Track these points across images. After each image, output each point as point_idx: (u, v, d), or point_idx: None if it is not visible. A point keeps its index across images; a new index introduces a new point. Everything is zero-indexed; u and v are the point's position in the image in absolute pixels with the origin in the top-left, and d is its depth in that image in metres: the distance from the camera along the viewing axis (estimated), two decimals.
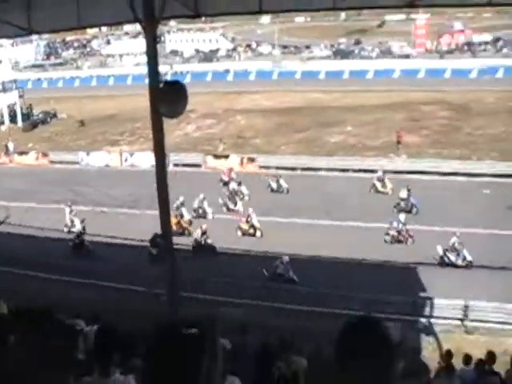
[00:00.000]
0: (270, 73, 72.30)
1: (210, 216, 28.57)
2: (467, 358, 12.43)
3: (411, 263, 22.20)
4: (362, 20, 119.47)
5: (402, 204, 27.57)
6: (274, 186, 32.07)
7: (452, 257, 21.91)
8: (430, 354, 16.39)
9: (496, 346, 16.18)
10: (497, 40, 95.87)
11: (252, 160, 36.49)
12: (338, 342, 2.13)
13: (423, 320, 18.95)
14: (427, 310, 19.19)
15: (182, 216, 27.37)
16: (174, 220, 26.59)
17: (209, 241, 25.10)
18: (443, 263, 22.17)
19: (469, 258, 21.59)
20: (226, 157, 37.45)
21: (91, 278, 22.09)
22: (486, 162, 34.11)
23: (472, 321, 18.72)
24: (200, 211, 28.82)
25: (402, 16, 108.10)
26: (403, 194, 27.80)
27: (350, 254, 23.22)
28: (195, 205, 28.75)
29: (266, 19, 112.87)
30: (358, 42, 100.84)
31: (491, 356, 12.03)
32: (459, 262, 21.71)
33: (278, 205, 29.47)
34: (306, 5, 13.68)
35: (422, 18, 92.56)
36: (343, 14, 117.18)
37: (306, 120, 46.81)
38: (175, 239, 24.88)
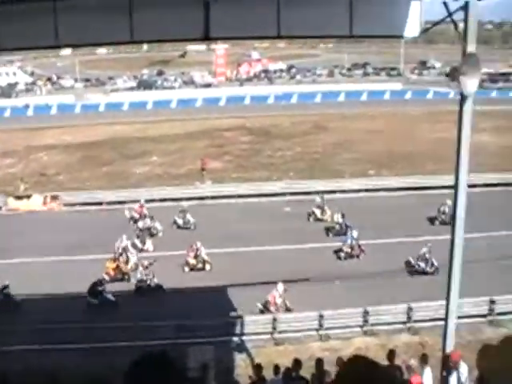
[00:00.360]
0: (73, 106, 70.83)
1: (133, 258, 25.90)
2: (276, 368, 13.12)
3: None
4: (165, 51, 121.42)
5: (337, 227, 28.34)
6: (180, 221, 29.97)
7: (422, 264, 23.90)
8: (243, 371, 16.93)
9: (303, 352, 17.31)
10: (290, 68, 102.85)
11: (56, 198, 34.94)
12: (124, 378, 2.20)
13: (235, 339, 19.49)
14: (238, 329, 19.75)
15: (127, 261, 24.78)
16: (111, 264, 24.41)
17: (155, 280, 22.89)
18: (414, 271, 24.02)
19: (435, 264, 23.42)
20: (29, 197, 35.45)
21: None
22: (285, 182, 36.10)
23: (280, 332, 19.59)
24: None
25: (202, 46, 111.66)
26: (338, 218, 28.62)
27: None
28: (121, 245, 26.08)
29: (66, 51, 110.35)
30: (160, 73, 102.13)
31: (297, 363, 12.85)
32: (428, 269, 23.66)
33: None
34: (104, 38, 13.57)
35: (220, 47, 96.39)
36: (145, 46, 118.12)
37: (110, 153, 46.41)
38: (112, 286, 22.88)
